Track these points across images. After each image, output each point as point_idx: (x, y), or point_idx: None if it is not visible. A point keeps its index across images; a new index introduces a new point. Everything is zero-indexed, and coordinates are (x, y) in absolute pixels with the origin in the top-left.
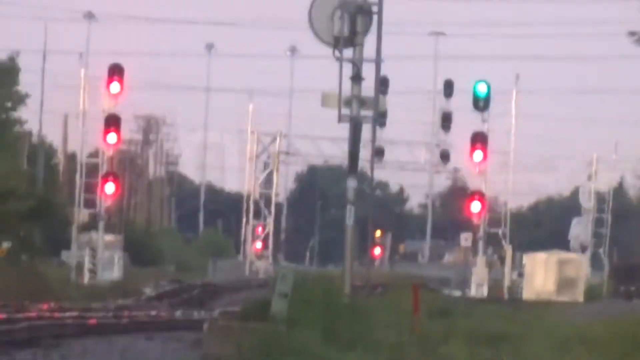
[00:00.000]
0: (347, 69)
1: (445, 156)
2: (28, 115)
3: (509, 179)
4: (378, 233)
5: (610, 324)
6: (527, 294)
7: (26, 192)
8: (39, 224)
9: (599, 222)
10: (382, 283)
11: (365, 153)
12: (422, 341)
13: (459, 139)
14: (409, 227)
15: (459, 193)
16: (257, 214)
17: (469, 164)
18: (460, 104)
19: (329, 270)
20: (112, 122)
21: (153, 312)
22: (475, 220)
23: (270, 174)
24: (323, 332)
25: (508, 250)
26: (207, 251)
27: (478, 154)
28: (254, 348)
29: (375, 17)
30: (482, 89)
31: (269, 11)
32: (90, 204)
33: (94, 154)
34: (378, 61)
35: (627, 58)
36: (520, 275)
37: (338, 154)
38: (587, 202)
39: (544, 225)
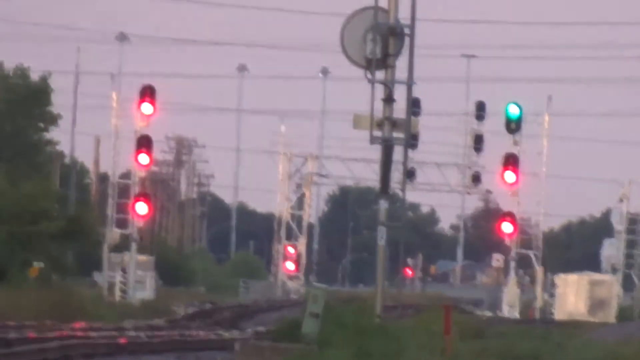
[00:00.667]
0: (379, 91)
1: (476, 178)
2: (60, 136)
3: (541, 201)
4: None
5: None
6: (559, 314)
7: (58, 212)
8: (70, 245)
9: (630, 244)
10: (413, 304)
11: (396, 175)
12: None
13: (490, 160)
14: (440, 248)
15: (490, 214)
16: (289, 235)
17: (500, 186)
18: (492, 126)
19: (360, 291)
20: (144, 142)
21: (185, 332)
22: (506, 242)
23: (302, 196)
24: (355, 353)
25: (539, 271)
26: (238, 272)
27: (510, 176)
28: None
29: (407, 39)
30: (514, 111)
31: (301, 33)
32: (122, 224)
33: (126, 175)
34: (410, 83)
35: None
36: (552, 296)
37: (369, 175)
38: (619, 224)
39: (575, 246)
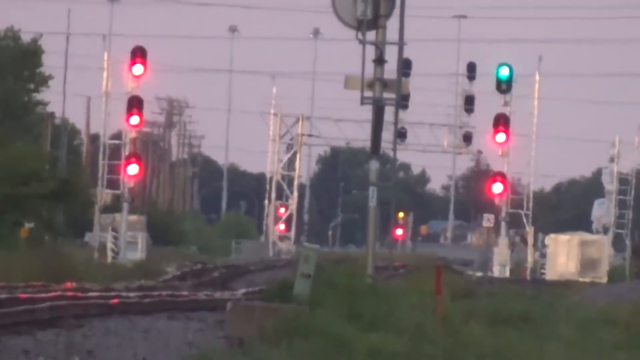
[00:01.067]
0: (370, 52)
1: (467, 138)
2: (51, 97)
3: (531, 161)
4: (400, 215)
5: (633, 305)
6: (550, 274)
7: (49, 173)
8: (61, 206)
9: (621, 204)
10: (404, 264)
11: (387, 135)
12: (445, 322)
13: (481, 121)
14: (431, 208)
15: (481, 175)
16: (280, 196)
17: (491, 146)
18: (483, 87)
19: (350, 251)
20: (135, 104)
21: (176, 293)
22: (497, 202)
23: (293, 156)
24: (346, 313)
25: (530, 231)
26: (230, 232)
27: (501, 136)
28: (276, 329)
29: (398, 0)
30: (504, 72)
31: None
32: (113, 185)
33: (117, 136)
34: (401, 44)
35: None
36: (543, 256)
37: (360, 136)
38: (610, 184)
39: (566, 206)
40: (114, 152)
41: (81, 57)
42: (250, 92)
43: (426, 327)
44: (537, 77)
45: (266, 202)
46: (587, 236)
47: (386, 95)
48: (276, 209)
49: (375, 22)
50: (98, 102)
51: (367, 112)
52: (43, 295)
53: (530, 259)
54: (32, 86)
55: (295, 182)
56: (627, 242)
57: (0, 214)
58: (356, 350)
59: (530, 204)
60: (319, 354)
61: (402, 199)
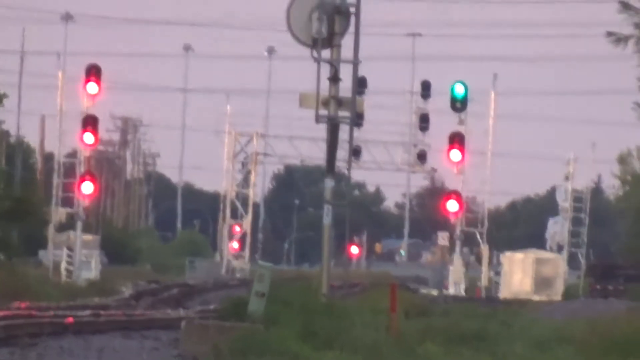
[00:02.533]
0: (325, 70)
1: (422, 156)
2: (5, 116)
3: (487, 179)
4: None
5: (588, 323)
6: (505, 293)
7: (3, 192)
8: (16, 224)
9: (576, 222)
10: (359, 283)
11: (342, 153)
12: (400, 340)
13: (436, 139)
14: (386, 226)
15: (436, 193)
16: (235, 214)
17: (446, 164)
18: (438, 105)
19: (305, 270)
20: (90, 122)
21: (130, 311)
22: (452, 220)
23: (247, 174)
24: (301, 331)
25: (485, 249)
26: (184, 251)
27: (456, 154)
28: (231, 347)
29: (353, 18)
30: (459, 90)
31: (247, 12)
32: (67, 203)
33: (72, 154)
34: (356, 62)
35: (605, 59)
36: (498, 274)
37: (315, 154)
38: (564, 202)
39: (521, 224)
40: (69, 171)
41: (36, 76)
42: (204, 111)
43: (381, 346)
44: (493, 95)
45: (220, 220)
46: (542, 254)
47: (341, 113)
48: (230, 228)
49: (330, 40)
50: (53, 121)
51: (322, 130)
52: None
53: (484, 277)
54: None
55: (250, 201)
56: (582, 260)
57: None
58: None
59: (485, 222)
60: None
61: (357, 217)
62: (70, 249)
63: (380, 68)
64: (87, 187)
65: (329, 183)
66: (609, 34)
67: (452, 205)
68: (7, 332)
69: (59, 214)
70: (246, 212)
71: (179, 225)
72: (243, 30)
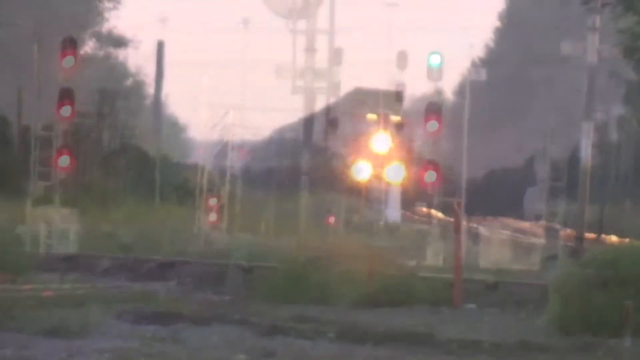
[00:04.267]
0: (301, 41)
1: (399, 127)
2: None
3: (463, 149)
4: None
5: None
6: (484, 262)
7: None
8: None
9: (553, 191)
10: (337, 252)
11: (318, 125)
12: None
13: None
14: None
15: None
16: (212, 186)
17: (423, 135)
18: (415, 75)
19: (284, 240)
20: (66, 95)
21: (109, 284)
22: (430, 190)
23: (224, 146)
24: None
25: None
26: (162, 223)
27: (432, 124)
28: None
29: None
30: (435, 60)
31: None
32: (45, 177)
33: (49, 127)
34: (331, 32)
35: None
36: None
37: (292, 125)
38: (542, 172)
39: (498, 194)
40: (46, 144)
41: (13, 48)
42: (181, 83)
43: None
44: (469, 65)
45: (198, 192)
46: (519, 224)
47: (317, 84)
48: (208, 200)
49: (305, 10)
50: (30, 94)
51: (299, 101)
52: None
53: (463, 247)
54: None
55: (227, 173)
56: (559, 228)
57: None
58: None
59: (463, 192)
60: None
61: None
62: (48, 223)
63: (356, 38)
64: (64, 161)
65: (306, 155)
66: (585, 2)
67: (429, 176)
68: None
69: (37, 187)
70: (223, 184)
71: (157, 197)
72: (218, 1)
